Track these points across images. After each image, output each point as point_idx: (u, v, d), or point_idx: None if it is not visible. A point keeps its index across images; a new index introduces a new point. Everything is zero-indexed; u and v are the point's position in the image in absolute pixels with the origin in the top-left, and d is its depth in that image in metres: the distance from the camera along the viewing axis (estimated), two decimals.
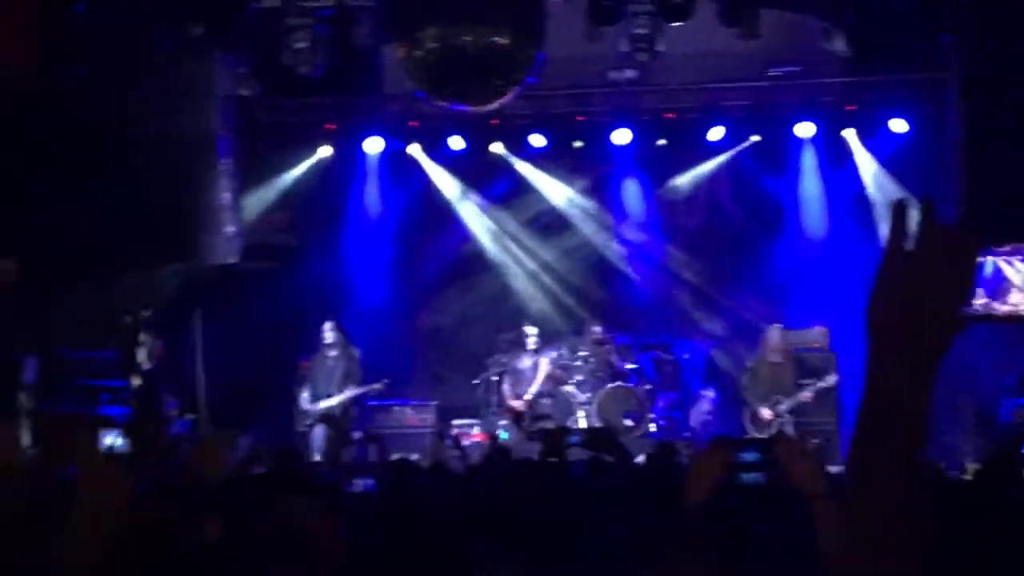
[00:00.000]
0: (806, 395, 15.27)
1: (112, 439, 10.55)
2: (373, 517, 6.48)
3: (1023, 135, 13.74)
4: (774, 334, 15.65)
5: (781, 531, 4.39)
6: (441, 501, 8.07)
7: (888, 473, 1.86)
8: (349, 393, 15.59)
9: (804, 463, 3.93)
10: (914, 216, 1.87)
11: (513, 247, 18.55)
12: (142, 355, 15.27)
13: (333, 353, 15.75)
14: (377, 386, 15.84)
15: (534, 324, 16.58)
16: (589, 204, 18.51)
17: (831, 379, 15.41)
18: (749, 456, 4.11)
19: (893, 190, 16.83)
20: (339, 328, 15.89)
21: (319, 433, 15.45)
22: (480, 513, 7.51)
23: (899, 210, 1.91)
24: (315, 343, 15.99)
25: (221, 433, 4.73)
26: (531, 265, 18.51)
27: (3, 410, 13.79)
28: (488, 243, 18.53)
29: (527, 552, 5.95)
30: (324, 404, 15.53)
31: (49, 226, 14.66)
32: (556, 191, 18.44)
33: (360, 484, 8.34)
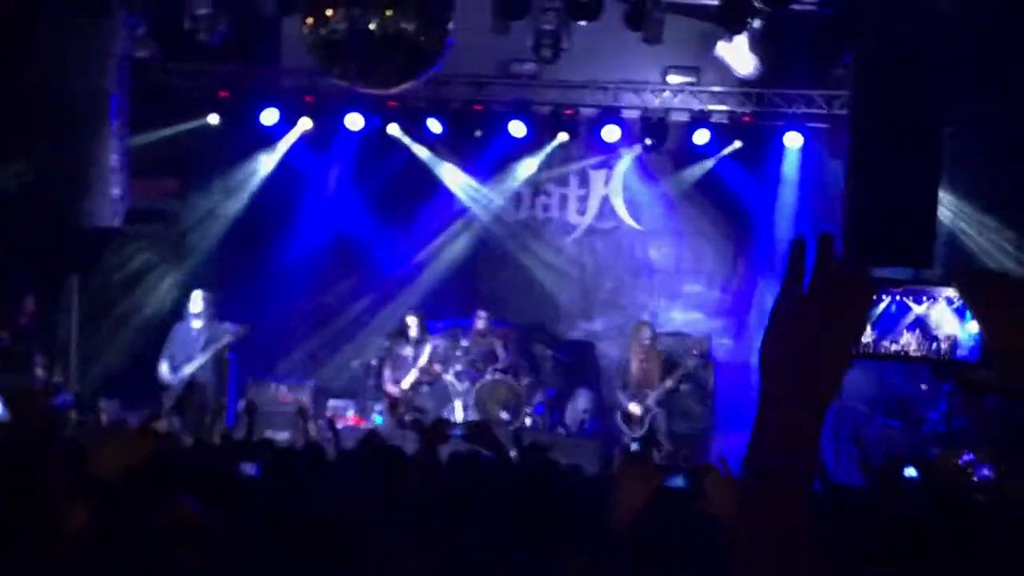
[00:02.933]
0: (669, 383, 15.42)
1: None
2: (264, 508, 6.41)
3: (906, 159, 14.08)
4: (640, 331, 15.74)
5: (702, 558, 4.41)
6: (321, 492, 8.00)
7: (780, 512, 1.85)
8: (211, 351, 14.89)
9: (729, 493, 3.94)
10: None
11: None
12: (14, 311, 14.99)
13: (198, 324, 15.05)
14: (240, 331, 15.30)
15: (417, 311, 16.47)
16: (483, 191, 18.43)
17: (690, 363, 15.64)
18: (676, 481, 4.11)
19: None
20: (209, 299, 15.25)
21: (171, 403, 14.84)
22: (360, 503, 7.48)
23: (796, 249, 1.89)
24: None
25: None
26: (420, 250, 18.37)
27: None
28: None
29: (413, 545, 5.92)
30: (188, 369, 14.82)
31: None
32: (452, 176, 18.35)
33: (246, 469, 8.20)
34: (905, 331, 2.05)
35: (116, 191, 15.25)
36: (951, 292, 2.02)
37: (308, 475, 8.94)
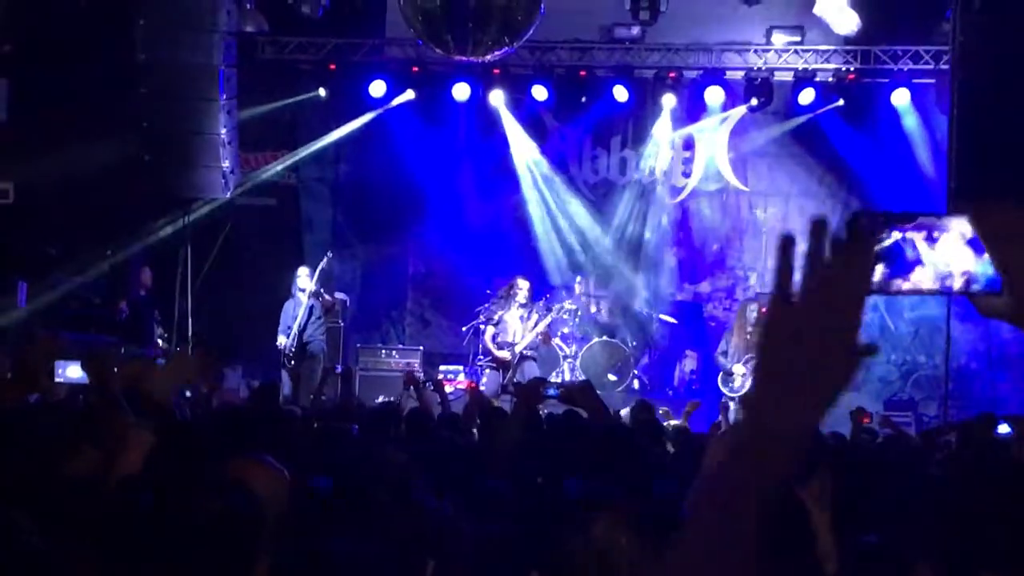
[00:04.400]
0: None
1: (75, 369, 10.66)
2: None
3: (1013, 111, 13.84)
4: (746, 309, 15.80)
5: None
6: (415, 450, 8.19)
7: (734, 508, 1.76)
8: (318, 315, 15.58)
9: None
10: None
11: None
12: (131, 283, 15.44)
13: (305, 299, 15.62)
14: (325, 258, 15.89)
15: (524, 276, 16.57)
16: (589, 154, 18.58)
17: None
18: None
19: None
20: (313, 273, 15.74)
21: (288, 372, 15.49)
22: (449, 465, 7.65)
23: (784, 246, 1.79)
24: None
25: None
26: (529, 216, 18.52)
27: None
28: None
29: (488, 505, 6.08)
30: (293, 334, 15.42)
31: (45, 149, 14.78)
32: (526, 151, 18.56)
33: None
34: (917, 267, 2.00)
35: (226, 164, 15.55)
36: (963, 225, 2.00)
37: (408, 435, 9.15)
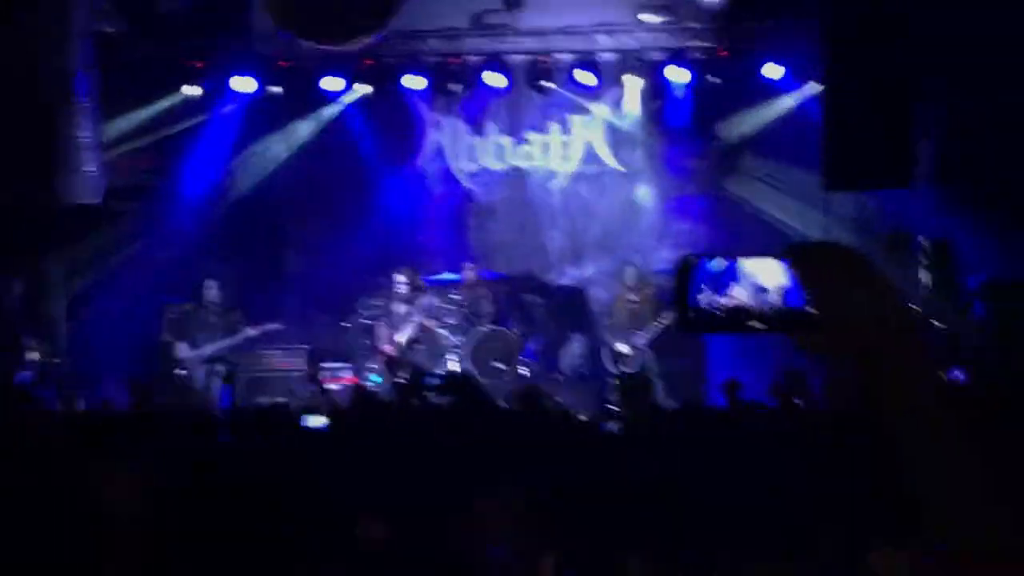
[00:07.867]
0: (661, 323, 15.41)
1: None
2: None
3: (884, 82, 13.85)
4: (629, 273, 15.78)
5: None
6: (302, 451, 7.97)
7: None
8: (241, 335, 15.67)
9: None
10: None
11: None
12: None
13: (216, 311, 15.82)
14: (274, 326, 15.73)
15: (407, 267, 16.31)
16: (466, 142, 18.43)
17: None
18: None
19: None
20: (223, 286, 15.96)
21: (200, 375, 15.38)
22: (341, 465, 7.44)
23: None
24: (183, 288, 15.88)
25: None
26: (405, 205, 18.29)
27: None
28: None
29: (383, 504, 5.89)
30: (210, 349, 15.46)
31: None
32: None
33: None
34: (733, 284, 1.99)
35: (92, 168, 15.12)
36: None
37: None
